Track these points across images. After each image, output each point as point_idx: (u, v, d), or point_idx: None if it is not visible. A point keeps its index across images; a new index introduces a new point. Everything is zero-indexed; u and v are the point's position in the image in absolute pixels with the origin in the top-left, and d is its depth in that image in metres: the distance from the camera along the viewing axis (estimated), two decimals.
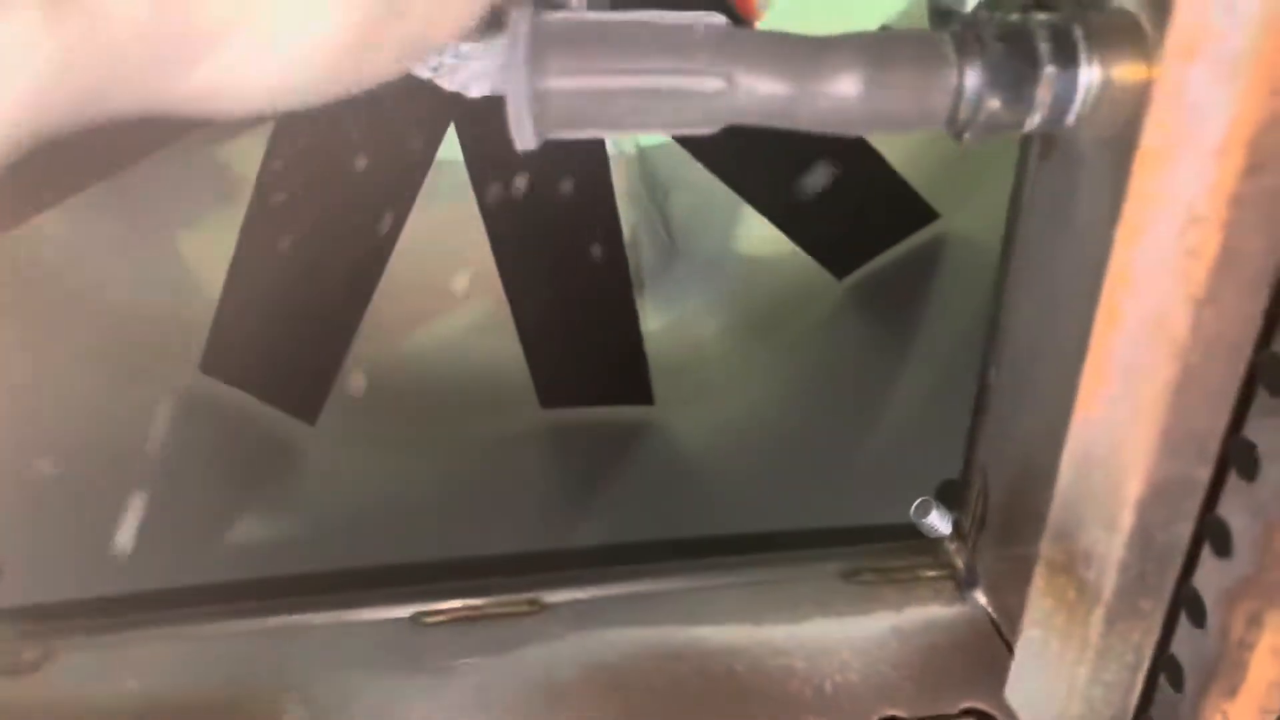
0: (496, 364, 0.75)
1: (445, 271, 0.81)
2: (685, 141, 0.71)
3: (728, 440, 0.73)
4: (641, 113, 0.26)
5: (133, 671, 0.41)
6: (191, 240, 0.83)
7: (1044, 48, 0.26)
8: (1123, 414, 0.27)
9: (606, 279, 0.71)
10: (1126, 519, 0.28)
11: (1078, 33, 0.26)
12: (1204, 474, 0.28)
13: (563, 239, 0.69)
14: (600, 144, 0.67)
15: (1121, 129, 0.26)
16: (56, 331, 0.70)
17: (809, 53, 0.25)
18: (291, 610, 0.42)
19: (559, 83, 0.25)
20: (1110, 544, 0.28)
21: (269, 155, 0.63)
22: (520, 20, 0.25)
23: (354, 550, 0.54)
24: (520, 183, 0.66)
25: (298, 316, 0.67)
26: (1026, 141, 0.35)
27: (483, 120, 0.63)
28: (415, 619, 0.42)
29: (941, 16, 0.36)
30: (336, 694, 0.39)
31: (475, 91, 0.27)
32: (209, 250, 0.81)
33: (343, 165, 0.64)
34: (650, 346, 0.73)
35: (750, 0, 0.93)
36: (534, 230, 0.69)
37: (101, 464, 0.65)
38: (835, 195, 0.71)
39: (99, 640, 0.43)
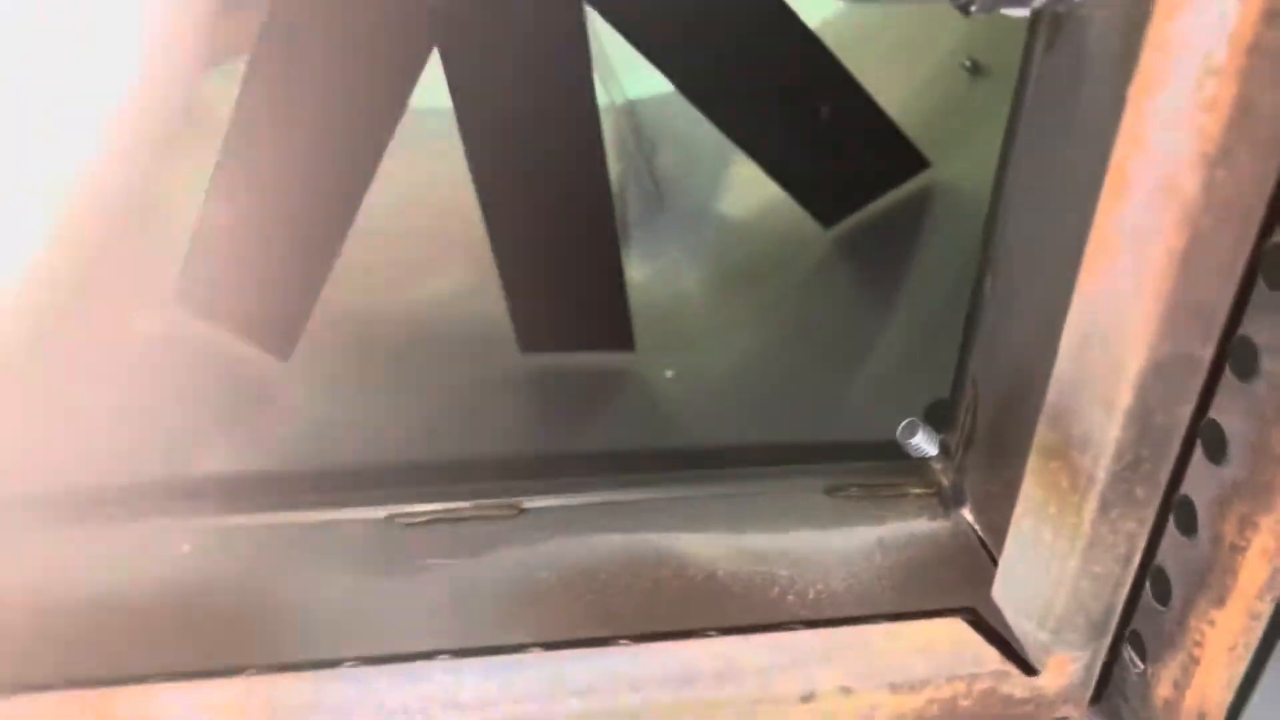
0: (476, 310, 0.74)
1: (429, 218, 0.80)
2: (679, 84, 0.71)
3: (710, 387, 0.72)
4: None
5: (100, 565, 0.40)
6: (164, 169, 0.82)
7: None
8: (1127, 286, 0.26)
9: (591, 223, 0.70)
10: (1126, 396, 0.27)
11: None
12: (1206, 353, 0.27)
13: (549, 184, 0.68)
14: (590, 90, 0.66)
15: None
16: None
17: None
18: (263, 509, 0.41)
19: None
20: (1108, 425, 0.28)
21: (245, 85, 0.62)
22: None
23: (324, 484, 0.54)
24: (508, 125, 0.65)
25: (271, 252, 0.65)
26: (1031, 37, 0.34)
27: (471, 57, 0.62)
28: (390, 519, 0.41)
29: None
30: (310, 591, 0.38)
31: None
32: (181, 185, 0.80)
33: (321, 96, 0.63)
34: (634, 296, 0.72)
35: None
36: (520, 175, 0.67)
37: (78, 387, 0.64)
38: (826, 140, 0.70)
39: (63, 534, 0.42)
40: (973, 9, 0.26)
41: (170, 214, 0.77)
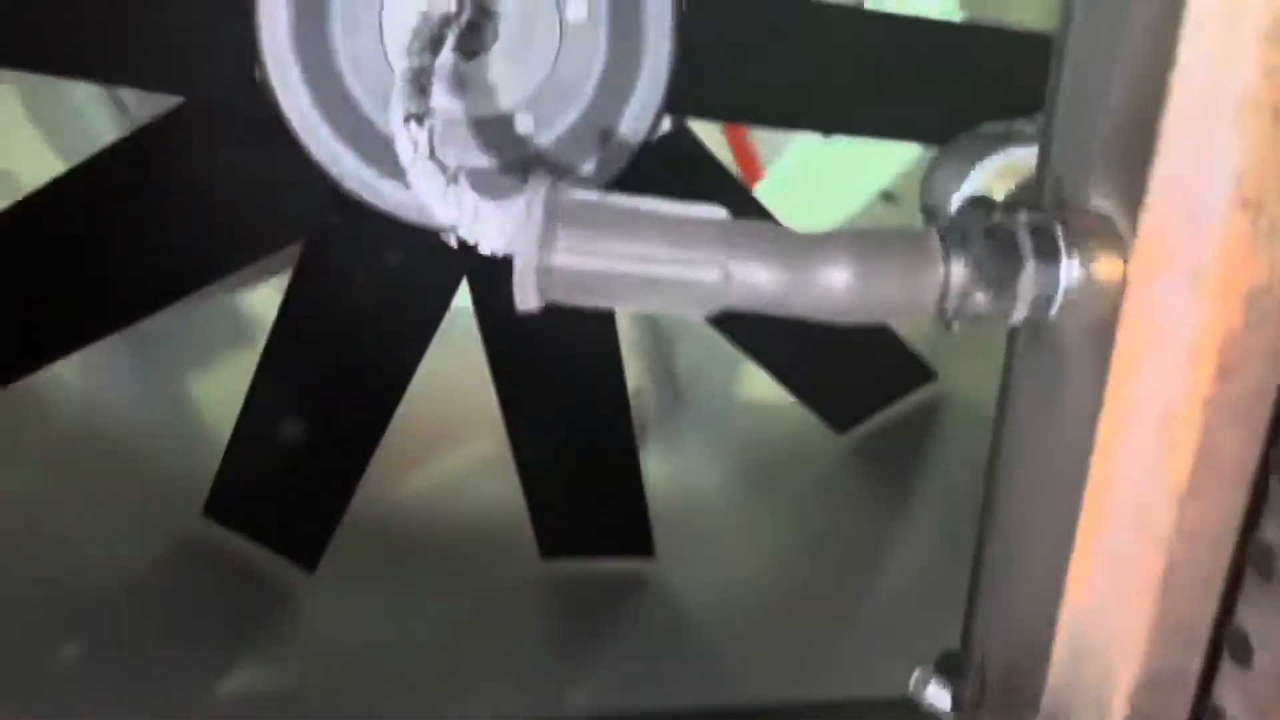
0: (497, 512, 0.75)
1: (449, 415, 0.82)
2: None
3: (728, 599, 0.72)
4: (641, 294, 0.27)
5: None
6: (202, 384, 0.85)
7: (1026, 244, 0.27)
8: (1111, 604, 0.27)
9: (611, 428, 0.72)
10: (1120, 709, 0.28)
11: (1058, 230, 0.27)
12: (1196, 664, 0.28)
13: (568, 386, 0.70)
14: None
15: (1102, 323, 0.27)
16: (64, 472, 0.71)
17: (801, 247, 0.27)
18: None
19: (565, 259, 0.27)
20: None
21: (286, 303, 0.65)
22: (536, 192, 0.27)
23: (343, 707, 0.54)
24: (527, 330, 0.68)
25: (305, 463, 0.67)
26: (1013, 328, 0.36)
27: (494, 267, 0.65)
28: None
29: (930, 213, 0.38)
30: None
31: (486, 248, 0.29)
32: (218, 394, 0.83)
33: (358, 314, 0.66)
34: (651, 496, 0.73)
35: (753, 162, 0.97)
36: (539, 377, 0.70)
37: (102, 603, 0.65)
38: (836, 352, 0.72)
39: None
40: (955, 325, 0.28)
41: (208, 424, 0.80)
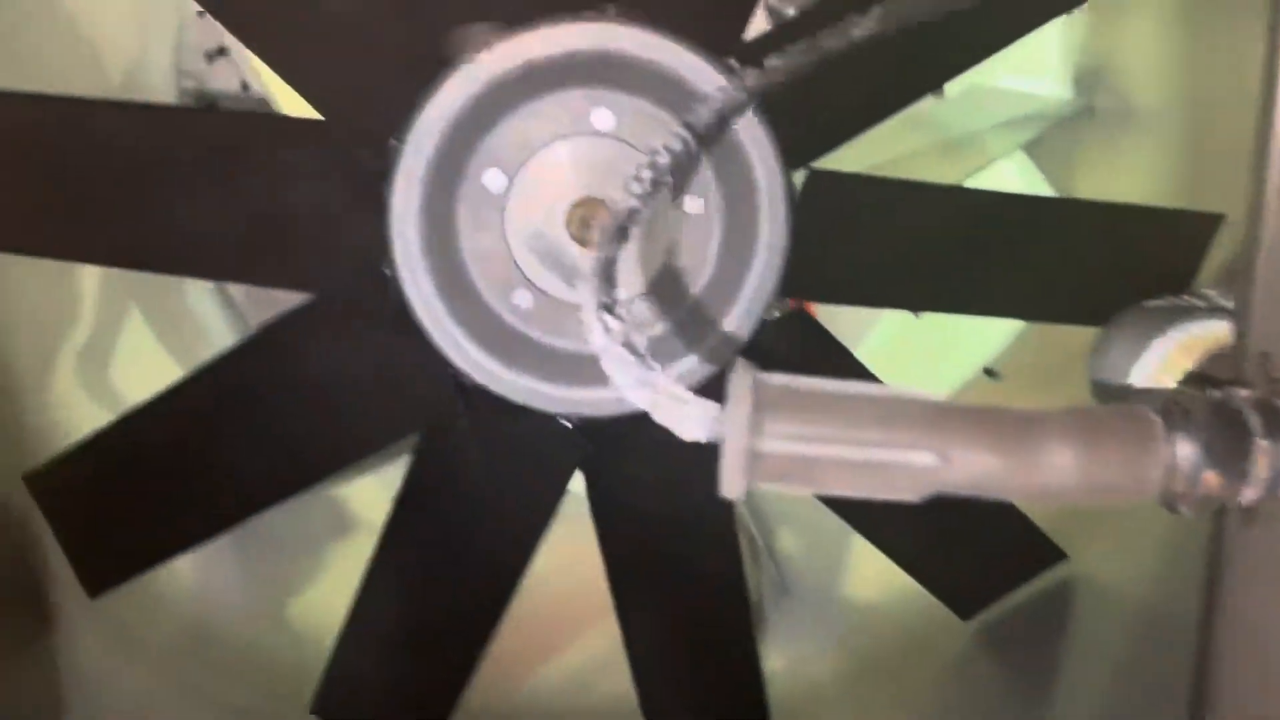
0: (611, 705, 0.72)
1: (559, 605, 0.80)
2: None
3: None
4: (852, 479, 0.27)
5: None
6: (304, 577, 0.84)
7: (1254, 421, 0.26)
8: None
9: (727, 617, 0.70)
10: None
11: None
12: None
13: (683, 573, 0.68)
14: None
15: None
16: (173, 670, 0.70)
17: (1020, 428, 0.26)
18: None
19: (775, 445, 0.26)
20: None
21: (404, 494, 0.65)
22: (741, 377, 0.27)
23: None
24: (641, 523, 0.67)
25: (415, 660, 0.66)
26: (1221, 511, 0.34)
27: (607, 451, 0.65)
28: None
29: (1102, 391, 0.37)
30: None
31: (687, 435, 0.28)
32: (321, 588, 0.82)
33: (475, 503, 0.65)
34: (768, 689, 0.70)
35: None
36: (653, 563, 0.68)
37: None
38: (957, 532, 0.70)
39: None
40: (1182, 509, 0.26)
41: (312, 619, 0.79)
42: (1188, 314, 0.37)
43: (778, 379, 0.27)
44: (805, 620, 0.84)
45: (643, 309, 0.60)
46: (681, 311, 0.63)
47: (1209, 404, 0.26)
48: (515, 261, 0.62)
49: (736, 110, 0.37)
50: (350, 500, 0.89)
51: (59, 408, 0.71)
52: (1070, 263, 0.67)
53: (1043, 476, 0.26)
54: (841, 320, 0.89)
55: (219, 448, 0.62)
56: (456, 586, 0.65)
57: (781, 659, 0.79)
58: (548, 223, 0.61)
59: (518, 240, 0.61)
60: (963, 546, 0.70)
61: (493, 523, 0.65)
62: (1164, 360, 0.35)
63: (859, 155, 0.65)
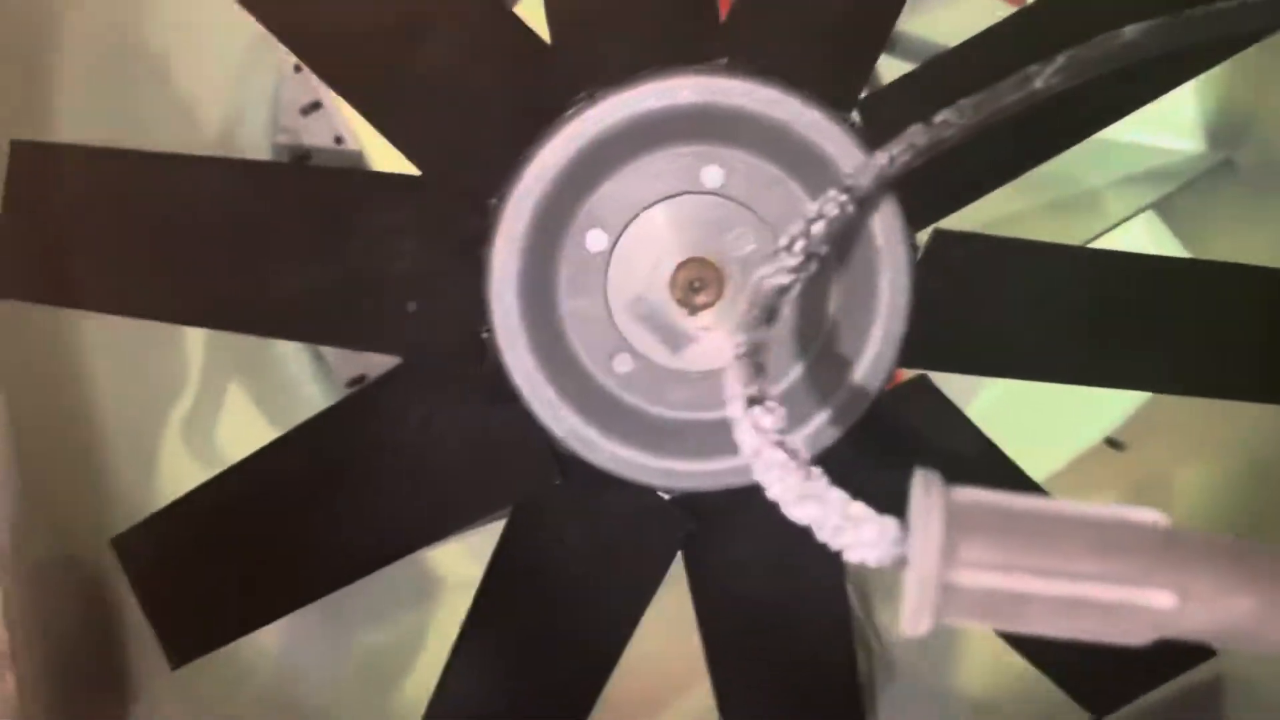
0: None
1: (654, 688, 0.76)
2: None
3: None
4: (1064, 619, 0.22)
5: None
6: (387, 644, 0.81)
7: None
8: None
9: (836, 713, 0.65)
10: None
11: None
12: None
13: (789, 663, 0.64)
14: (842, 588, 0.63)
15: None
16: None
17: (1273, 563, 0.22)
18: None
19: (973, 576, 0.22)
20: None
21: (494, 566, 0.61)
22: (930, 497, 0.23)
23: None
24: (746, 608, 0.62)
25: None
26: None
27: (711, 529, 0.61)
28: None
29: None
30: None
31: (859, 558, 0.24)
32: (403, 654, 0.79)
33: (570, 578, 0.62)
34: None
35: None
36: (757, 652, 0.64)
37: None
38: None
39: None
40: None
41: (396, 688, 0.76)
42: None
43: (970, 494, 0.23)
44: (913, 708, 0.78)
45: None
46: (792, 381, 0.59)
47: None
48: (616, 325, 0.58)
49: (900, 173, 0.33)
50: (434, 562, 0.86)
51: (164, 475, 0.70)
52: (1212, 332, 0.61)
53: None
54: (950, 380, 0.83)
55: (307, 515, 0.60)
56: (546, 669, 0.62)
57: None
58: (650, 285, 0.58)
59: (619, 303, 0.58)
60: None
61: (587, 602, 0.61)
62: None
63: (965, 213, 0.60)
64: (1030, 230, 0.80)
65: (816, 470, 0.25)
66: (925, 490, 0.23)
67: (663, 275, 0.58)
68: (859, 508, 0.24)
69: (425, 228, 0.57)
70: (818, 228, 0.30)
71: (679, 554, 0.61)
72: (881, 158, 0.31)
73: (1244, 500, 0.74)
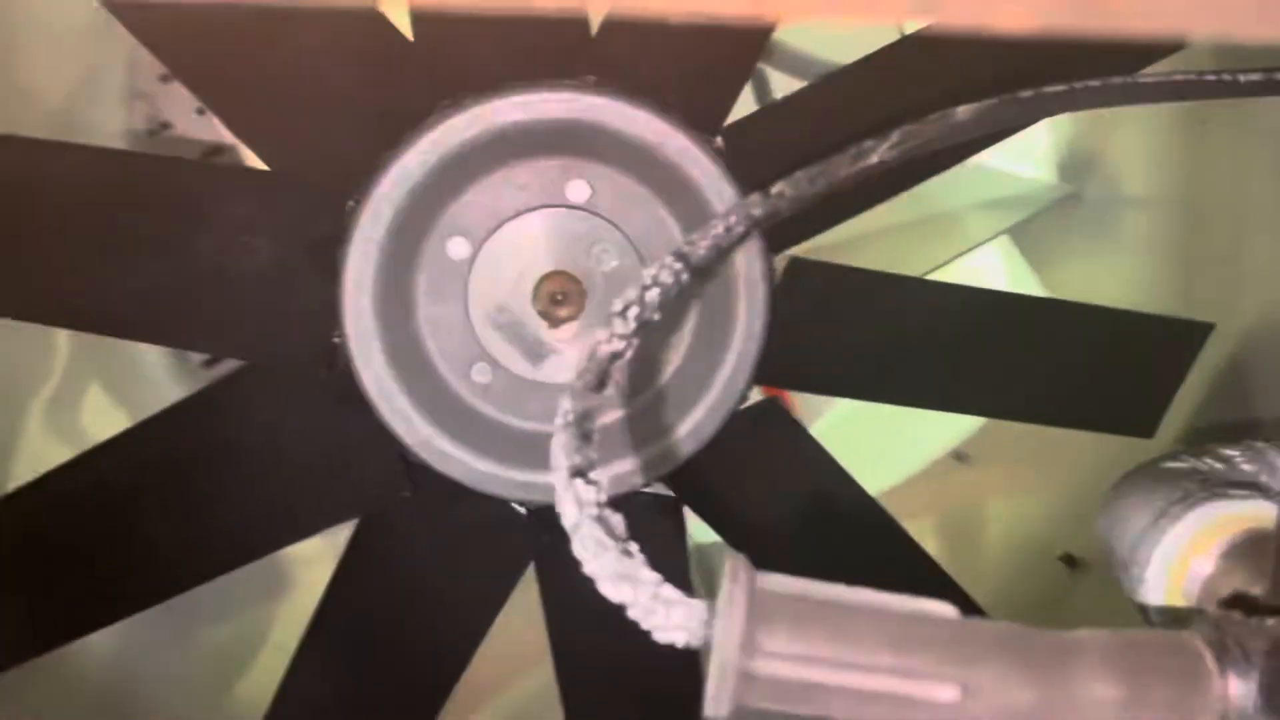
0: None
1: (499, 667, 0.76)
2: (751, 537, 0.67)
3: None
4: (858, 709, 0.23)
5: None
6: (232, 638, 0.79)
7: None
8: None
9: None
10: None
11: None
12: None
13: (637, 681, 0.64)
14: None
15: None
16: None
17: (1054, 658, 0.23)
18: None
19: (772, 666, 0.23)
20: None
21: (339, 576, 0.60)
22: (735, 584, 0.23)
23: None
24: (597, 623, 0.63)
25: None
26: None
27: (565, 550, 0.61)
28: None
29: (1114, 562, 0.34)
30: None
31: (669, 639, 0.25)
32: (248, 649, 0.77)
33: (418, 589, 0.61)
34: None
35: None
36: (606, 672, 0.64)
37: None
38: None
39: None
40: None
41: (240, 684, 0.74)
42: (1214, 487, 0.34)
43: (778, 583, 0.23)
44: None
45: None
46: (644, 400, 0.59)
47: (1266, 639, 0.23)
48: (475, 335, 0.58)
49: (736, 242, 0.33)
50: (294, 559, 0.84)
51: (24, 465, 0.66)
52: (1051, 364, 0.64)
53: (1081, 717, 0.22)
54: (801, 398, 0.86)
55: (140, 518, 0.57)
56: (389, 677, 0.61)
57: None
58: (513, 296, 0.58)
59: (479, 313, 0.58)
60: None
61: (435, 613, 0.60)
62: (1190, 542, 0.32)
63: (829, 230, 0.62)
64: (891, 247, 0.82)
65: (634, 548, 0.25)
66: (732, 577, 0.23)
67: (525, 287, 0.57)
68: (670, 590, 0.24)
69: (277, 226, 0.55)
70: (652, 295, 0.30)
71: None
72: (718, 227, 0.32)
73: (1070, 517, 0.78)
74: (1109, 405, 0.65)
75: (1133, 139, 0.73)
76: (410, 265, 0.56)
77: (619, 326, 0.30)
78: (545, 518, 0.60)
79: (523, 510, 0.60)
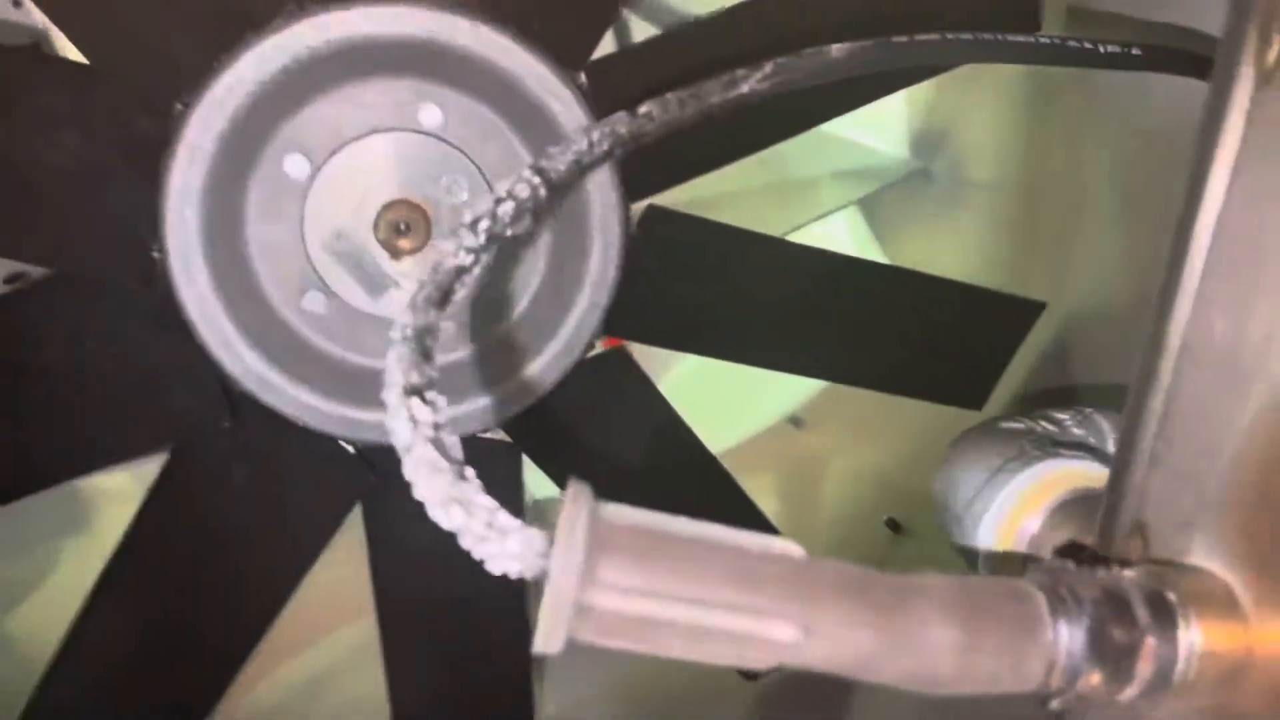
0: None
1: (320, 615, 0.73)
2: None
3: None
4: (695, 645, 0.22)
5: None
6: (18, 576, 0.73)
7: (1142, 613, 0.23)
8: None
9: (504, 667, 0.64)
10: None
11: (1172, 597, 0.24)
12: None
13: (461, 624, 0.63)
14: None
15: (1218, 698, 0.23)
16: None
17: (894, 601, 0.22)
18: None
19: (609, 599, 0.21)
20: None
21: (148, 505, 0.56)
22: (577, 513, 0.21)
23: None
24: (420, 563, 0.60)
25: (140, 698, 0.57)
26: None
27: (391, 490, 0.58)
28: None
29: (950, 520, 0.34)
30: None
31: (502, 570, 0.23)
32: (50, 598, 0.72)
33: (226, 533, 0.57)
34: None
35: None
36: (429, 613, 0.62)
37: None
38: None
39: None
40: (1054, 704, 0.23)
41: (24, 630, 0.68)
42: (1046, 446, 0.35)
43: (621, 514, 0.22)
44: (589, 661, 0.79)
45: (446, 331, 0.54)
46: (491, 339, 0.57)
47: (1096, 588, 0.23)
48: (310, 260, 0.54)
49: (598, 161, 0.32)
50: (96, 485, 0.78)
51: None
52: (890, 333, 0.65)
53: (918, 660, 0.22)
54: (649, 352, 0.84)
55: None
56: (197, 623, 0.57)
57: (561, 702, 0.75)
58: (354, 223, 0.54)
59: (316, 238, 0.54)
60: None
61: (250, 551, 0.57)
62: (1021, 498, 0.33)
63: (687, 186, 0.61)
64: (744, 210, 0.82)
65: (470, 473, 0.24)
66: (574, 505, 0.22)
67: (367, 214, 0.54)
68: (505, 518, 0.23)
69: (91, 122, 0.50)
70: (505, 209, 0.28)
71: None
72: (580, 142, 0.30)
73: (898, 483, 0.80)
74: (942, 376, 0.67)
75: (983, 119, 0.75)
76: (242, 180, 0.52)
77: (468, 239, 0.28)
78: (374, 458, 0.57)
79: (350, 449, 0.57)
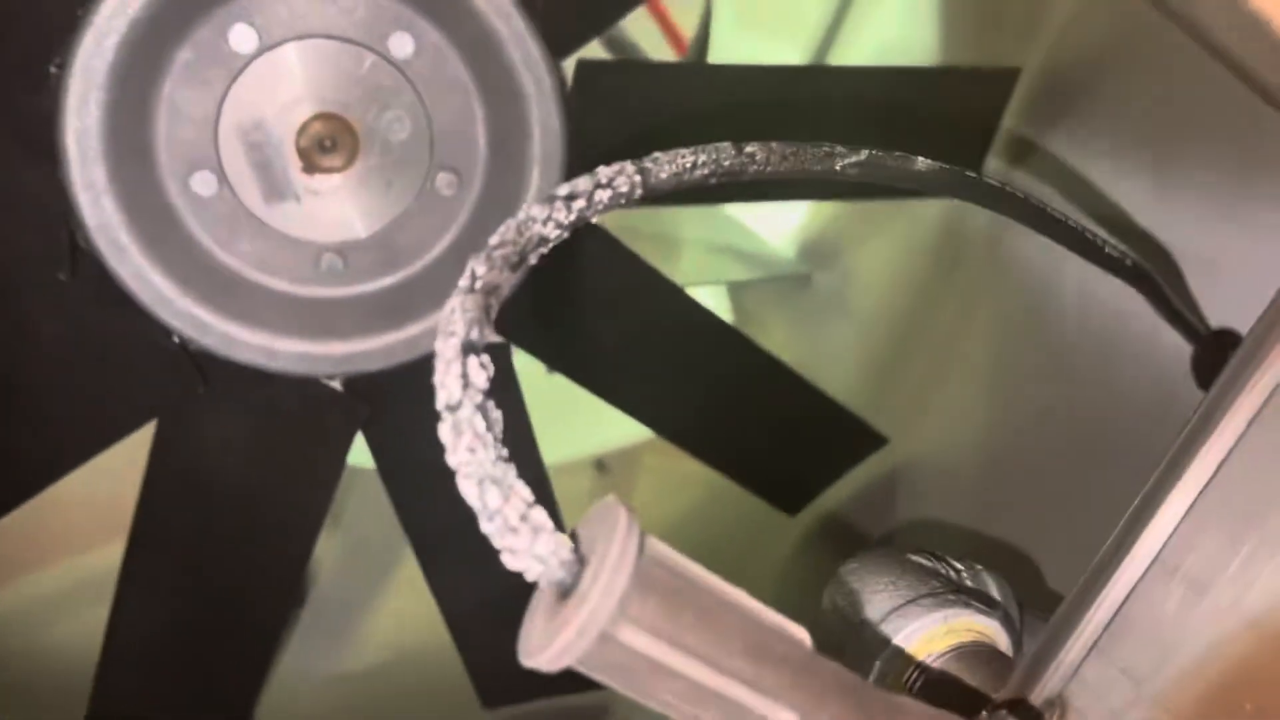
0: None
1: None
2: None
3: None
4: (692, 705, 0.21)
5: None
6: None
7: None
8: None
9: None
10: None
11: None
12: None
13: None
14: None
15: None
16: None
17: (884, 711, 0.22)
18: None
19: (633, 637, 0.20)
20: None
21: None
22: (629, 539, 0.20)
23: None
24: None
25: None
26: None
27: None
28: None
29: (846, 628, 0.35)
30: None
31: (518, 567, 0.21)
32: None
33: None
34: None
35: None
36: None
37: None
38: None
39: None
40: None
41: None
42: (957, 593, 0.37)
43: (665, 552, 0.21)
44: None
45: None
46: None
47: None
48: (216, 138, 0.49)
49: (693, 183, 0.29)
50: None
51: None
52: (743, 409, 0.65)
53: None
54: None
55: None
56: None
57: None
58: (279, 119, 0.50)
59: (233, 120, 0.49)
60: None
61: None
62: (930, 635, 0.34)
63: None
64: None
65: (506, 454, 0.21)
66: (626, 531, 0.20)
67: (296, 116, 0.50)
68: (540, 514, 0.21)
69: None
70: (601, 196, 0.27)
71: None
72: (686, 157, 0.29)
73: (699, 532, 0.80)
74: (770, 471, 0.68)
75: (881, 250, 0.77)
76: (167, 49, 0.47)
77: (560, 212, 0.26)
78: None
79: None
